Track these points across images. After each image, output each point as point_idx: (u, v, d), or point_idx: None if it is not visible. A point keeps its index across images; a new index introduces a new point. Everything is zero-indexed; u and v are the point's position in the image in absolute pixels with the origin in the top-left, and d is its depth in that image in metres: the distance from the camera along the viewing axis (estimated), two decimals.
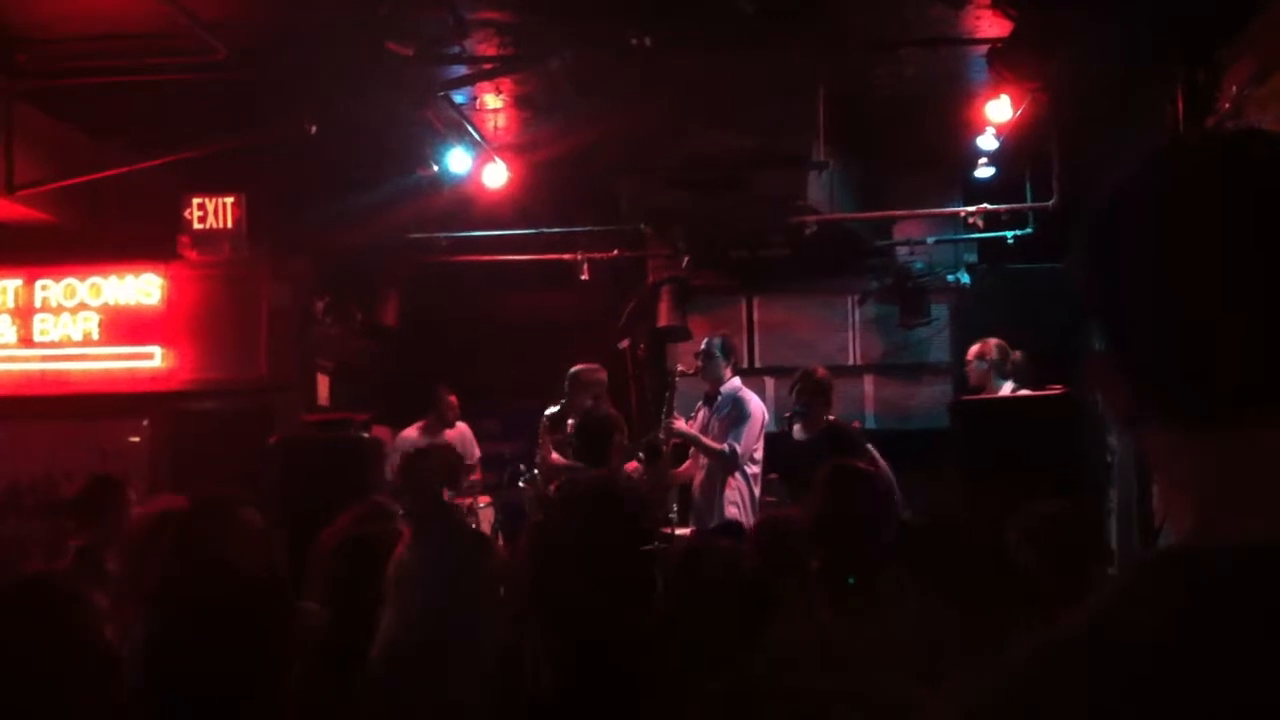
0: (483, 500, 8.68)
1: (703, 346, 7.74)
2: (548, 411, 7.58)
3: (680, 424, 7.44)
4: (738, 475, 7.36)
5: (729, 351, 7.67)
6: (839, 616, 3.25)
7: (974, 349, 7.50)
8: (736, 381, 7.65)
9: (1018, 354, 7.42)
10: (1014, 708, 0.91)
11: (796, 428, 7.22)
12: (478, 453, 9.25)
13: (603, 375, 7.86)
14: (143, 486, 5.89)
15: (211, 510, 3.42)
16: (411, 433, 9.16)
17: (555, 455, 7.62)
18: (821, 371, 7.37)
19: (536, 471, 7.51)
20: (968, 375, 7.53)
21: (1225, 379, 0.97)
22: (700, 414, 7.69)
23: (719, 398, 7.57)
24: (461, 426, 9.33)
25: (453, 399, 9.27)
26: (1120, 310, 1.03)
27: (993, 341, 7.47)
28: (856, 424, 8.06)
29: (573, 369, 7.78)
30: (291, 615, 2.59)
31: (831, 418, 7.26)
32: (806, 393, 7.22)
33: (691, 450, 7.60)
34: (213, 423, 8.65)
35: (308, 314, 9.53)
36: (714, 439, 7.46)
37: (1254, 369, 0.96)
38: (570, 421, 7.49)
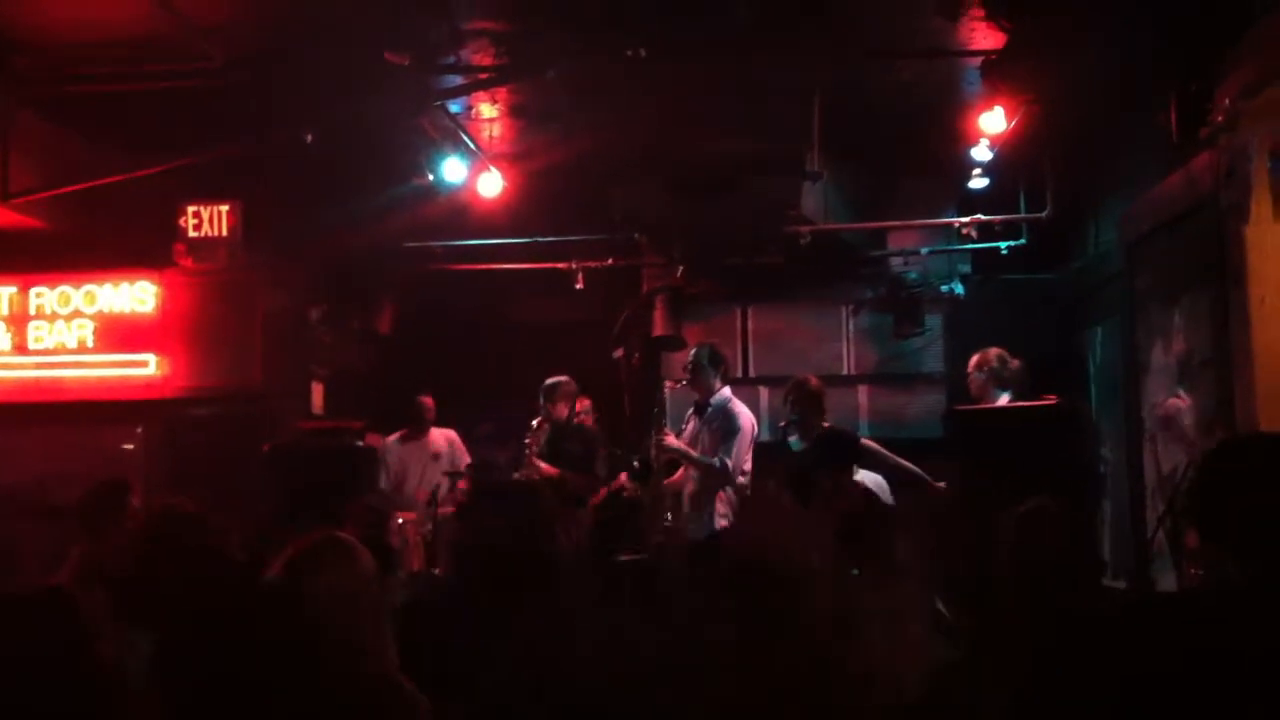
0: None
1: (690, 357, 7.76)
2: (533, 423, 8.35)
3: (671, 440, 7.46)
4: (727, 489, 7.37)
5: (717, 361, 7.67)
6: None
7: (974, 359, 7.40)
8: (727, 392, 7.64)
9: (1016, 362, 7.33)
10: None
11: (793, 438, 7.22)
12: (467, 459, 9.24)
13: (574, 386, 8.49)
14: (137, 493, 5.86)
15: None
16: (393, 440, 9.23)
17: (544, 465, 8.17)
18: (814, 380, 7.35)
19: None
20: (968, 386, 7.45)
21: None
22: (690, 424, 7.70)
23: (709, 408, 7.57)
24: (449, 433, 9.33)
25: (428, 401, 9.25)
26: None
27: (993, 351, 7.35)
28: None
29: (548, 381, 8.39)
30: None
31: (827, 424, 7.26)
32: (800, 402, 7.21)
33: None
34: (207, 430, 8.63)
35: (303, 321, 9.52)
36: (704, 450, 7.47)
37: None
38: (535, 424, 8.31)
